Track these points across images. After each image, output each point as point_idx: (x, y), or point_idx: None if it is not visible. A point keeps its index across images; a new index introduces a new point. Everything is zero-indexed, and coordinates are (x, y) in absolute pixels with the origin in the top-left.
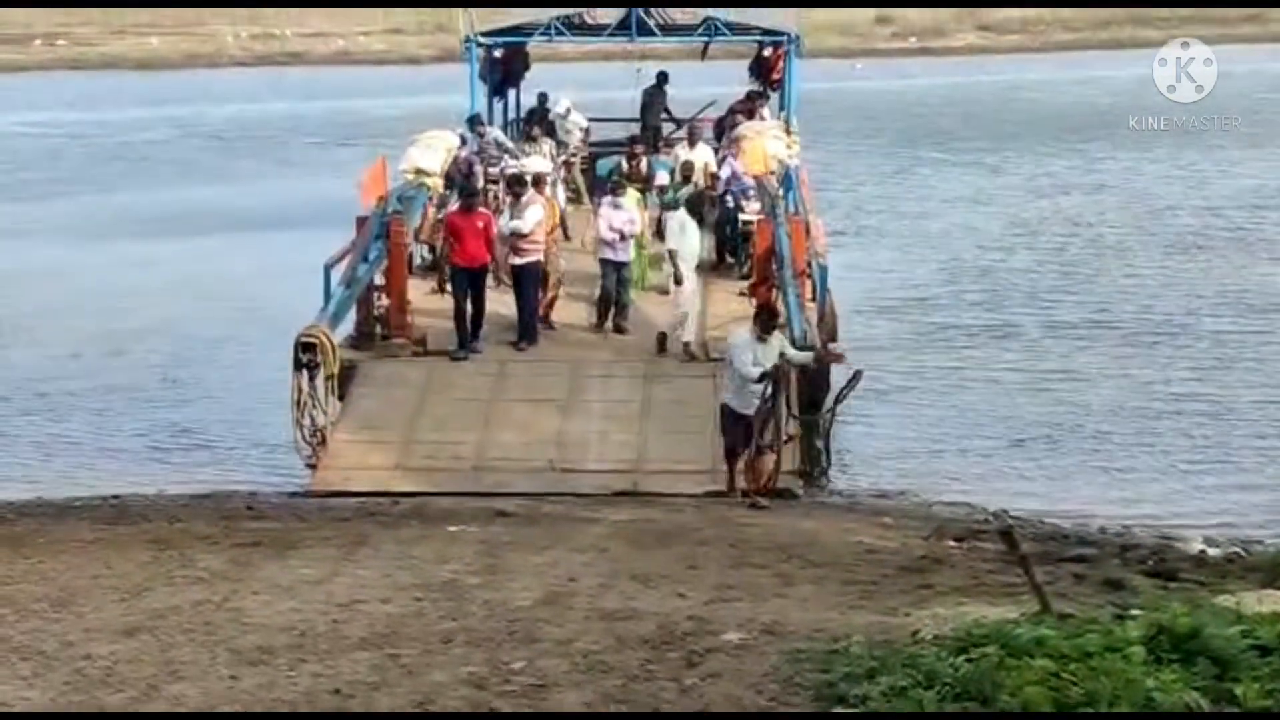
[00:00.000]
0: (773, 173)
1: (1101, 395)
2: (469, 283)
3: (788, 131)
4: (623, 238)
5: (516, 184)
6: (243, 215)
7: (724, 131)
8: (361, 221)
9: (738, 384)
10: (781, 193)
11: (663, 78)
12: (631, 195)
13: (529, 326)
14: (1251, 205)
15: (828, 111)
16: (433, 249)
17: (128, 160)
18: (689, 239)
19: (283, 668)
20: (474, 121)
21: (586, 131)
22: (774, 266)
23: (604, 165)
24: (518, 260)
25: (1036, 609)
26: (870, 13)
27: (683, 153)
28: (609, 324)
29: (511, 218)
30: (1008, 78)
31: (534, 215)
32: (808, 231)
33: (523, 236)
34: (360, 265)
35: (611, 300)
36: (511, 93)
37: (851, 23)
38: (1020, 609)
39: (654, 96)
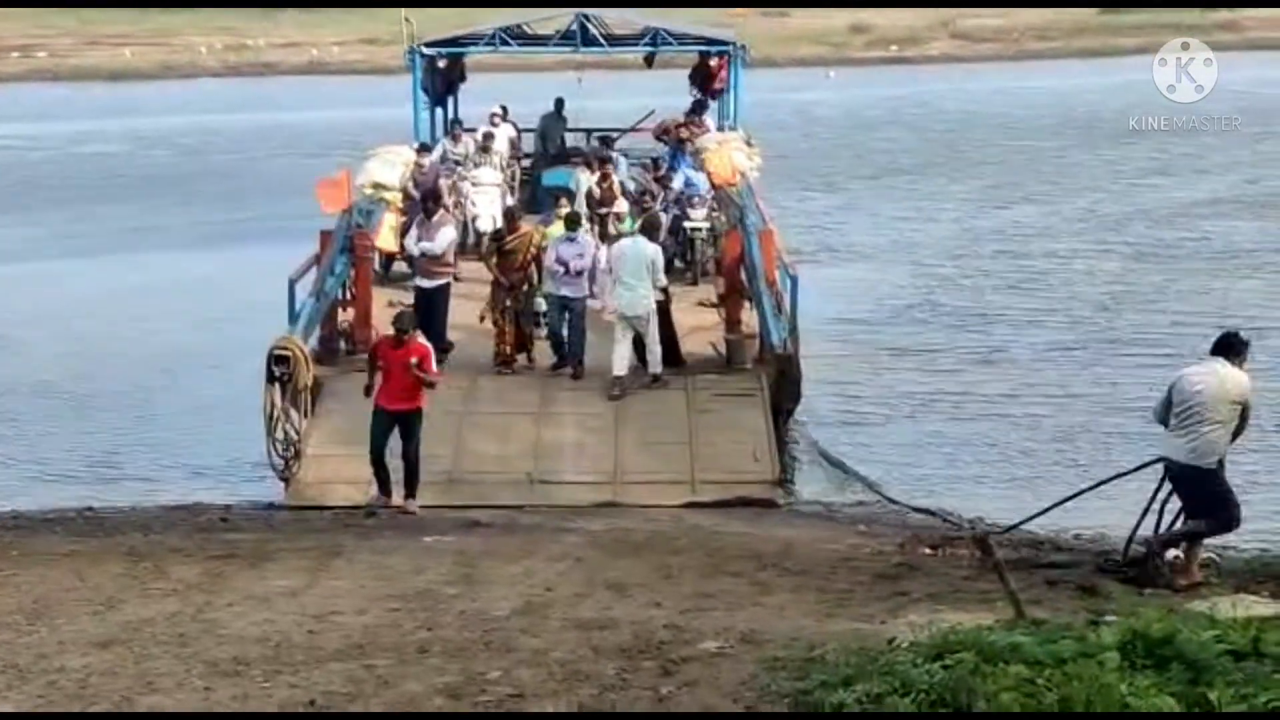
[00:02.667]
0: (733, 185)
1: (1073, 405)
2: (394, 427)
3: (749, 143)
4: (567, 271)
5: (429, 200)
6: (198, 230)
7: (665, 142)
8: (325, 235)
9: (1190, 427)
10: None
11: (560, 104)
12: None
13: (440, 346)
14: (1209, 216)
15: (783, 121)
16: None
17: (83, 173)
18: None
19: (257, 679)
20: (454, 124)
21: (512, 142)
22: (744, 277)
23: (550, 177)
24: (428, 283)
25: (1011, 615)
26: (846, 18)
27: (583, 177)
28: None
29: (420, 238)
30: (972, 88)
31: (446, 236)
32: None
33: (435, 259)
34: (328, 278)
35: (560, 340)
36: (450, 103)
37: (826, 31)
38: (995, 615)
39: (552, 124)
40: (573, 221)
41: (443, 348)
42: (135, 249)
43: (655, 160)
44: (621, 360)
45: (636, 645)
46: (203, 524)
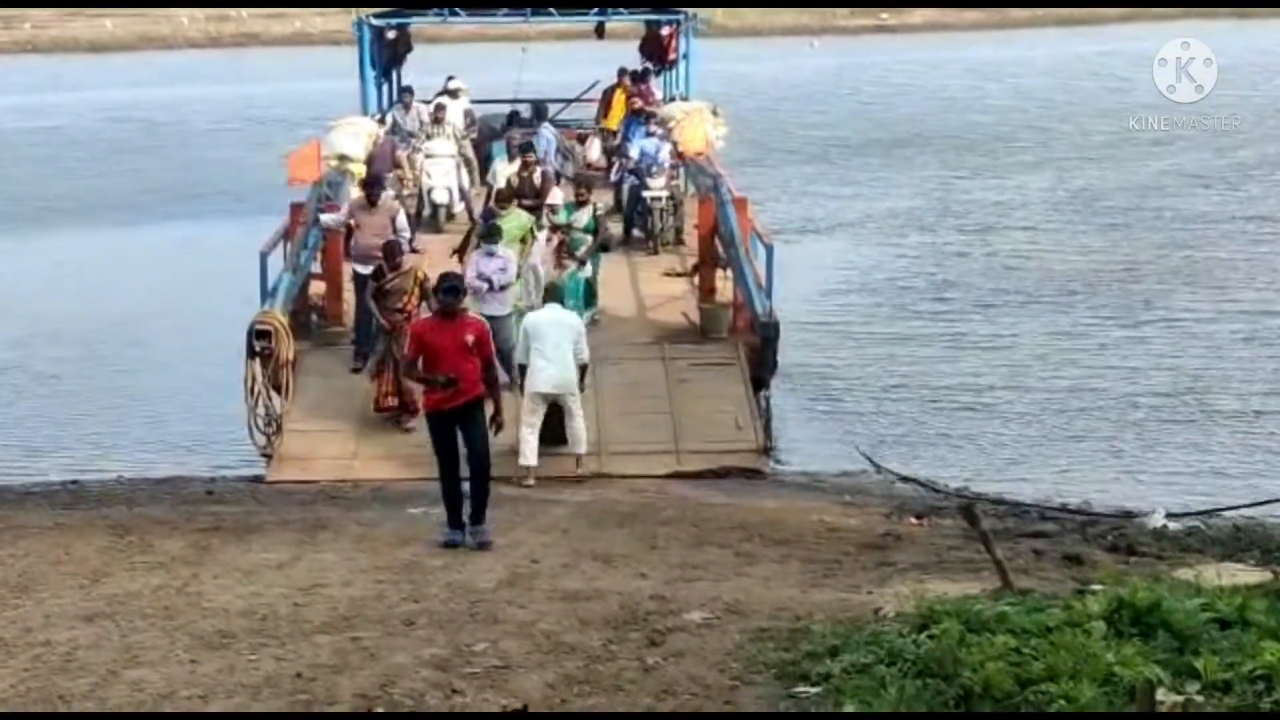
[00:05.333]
0: (700, 153)
1: (1058, 374)
2: (457, 427)
3: (715, 113)
4: (492, 287)
5: (373, 185)
6: (144, 207)
7: (608, 112)
8: (295, 208)
9: None
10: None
11: (513, 116)
12: (514, 219)
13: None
14: (1175, 188)
15: (734, 93)
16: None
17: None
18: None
19: (243, 652)
20: (404, 92)
21: (468, 114)
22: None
23: (499, 147)
24: (369, 270)
25: (997, 585)
26: None
27: (501, 167)
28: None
29: (361, 225)
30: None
31: (403, 223)
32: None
33: (376, 245)
34: (301, 252)
35: None
36: (396, 75)
37: None
38: (981, 585)
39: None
40: (492, 233)
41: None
42: (82, 225)
43: (602, 130)
44: (532, 449)
45: (623, 616)
46: (187, 497)
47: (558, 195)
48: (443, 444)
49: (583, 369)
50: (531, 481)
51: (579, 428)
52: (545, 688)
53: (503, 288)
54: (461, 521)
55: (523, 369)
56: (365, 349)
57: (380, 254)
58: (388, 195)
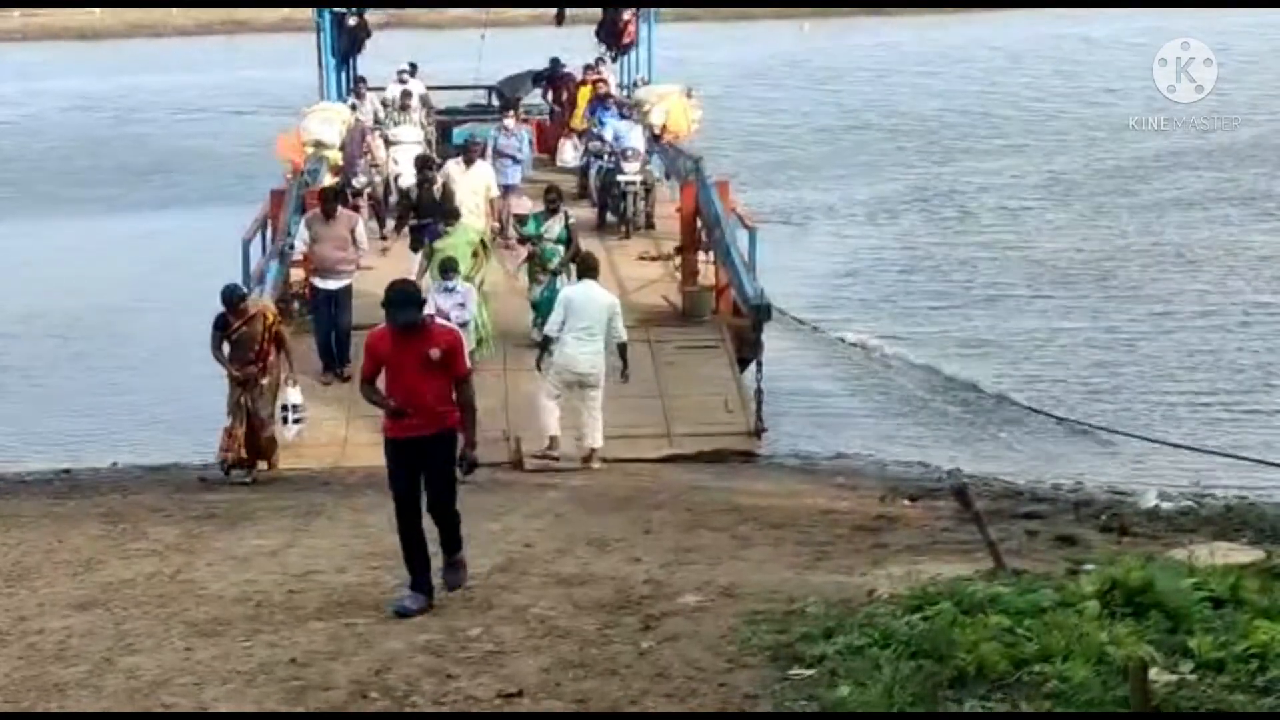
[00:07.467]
0: (678, 136)
1: (1047, 354)
2: (418, 462)
3: (688, 95)
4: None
5: (331, 199)
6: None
7: (562, 97)
8: (276, 194)
9: None
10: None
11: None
12: (462, 234)
13: (344, 348)
14: (1153, 169)
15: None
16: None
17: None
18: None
19: (238, 639)
20: (358, 83)
21: (423, 99)
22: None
23: (460, 134)
24: (332, 283)
25: (991, 566)
26: None
27: (456, 172)
28: None
29: (319, 238)
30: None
31: (362, 234)
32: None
33: (337, 258)
34: (285, 239)
35: None
36: (353, 63)
37: None
38: (975, 566)
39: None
40: (447, 266)
41: (346, 361)
42: (51, 215)
43: (553, 112)
44: (555, 419)
45: (617, 600)
46: (181, 484)
47: (525, 204)
48: (399, 479)
49: (622, 349)
50: (557, 453)
51: (596, 421)
52: (540, 672)
53: (462, 325)
54: (424, 582)
55: (546, 341)
56: (330, 363)
57: (349, 265)
58: (353, 193)
